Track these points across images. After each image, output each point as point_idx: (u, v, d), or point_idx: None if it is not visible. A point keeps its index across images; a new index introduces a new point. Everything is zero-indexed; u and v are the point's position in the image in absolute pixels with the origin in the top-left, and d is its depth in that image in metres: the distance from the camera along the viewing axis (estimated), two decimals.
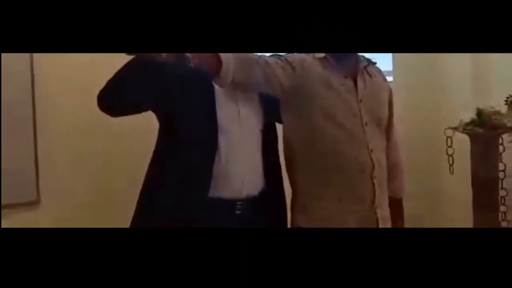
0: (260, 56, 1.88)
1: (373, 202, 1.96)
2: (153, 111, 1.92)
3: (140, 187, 1.91)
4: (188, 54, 1.62)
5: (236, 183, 1.89)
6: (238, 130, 1.91)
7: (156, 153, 1.94)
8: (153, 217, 1.84)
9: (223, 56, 1.73)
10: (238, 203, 1.90)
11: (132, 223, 1.92)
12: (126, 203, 2.46)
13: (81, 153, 2.51)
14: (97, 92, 1.74)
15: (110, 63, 1.83)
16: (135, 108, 1.85)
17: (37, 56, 2.39)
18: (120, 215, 2.41)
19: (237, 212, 1.90)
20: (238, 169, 1.89)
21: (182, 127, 1.85)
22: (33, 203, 2.45)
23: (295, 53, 1.96)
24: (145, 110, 1.89)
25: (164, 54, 1.58)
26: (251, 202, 1.92)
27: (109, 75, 1.76)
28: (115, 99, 1.78)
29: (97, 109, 1.78)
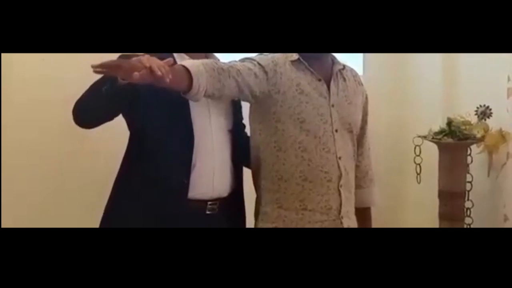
0: (232, 65, 1.79)
1: (339, 212, 1.91)
2: (124, 115, 1.88)
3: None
4: (158, 73, 1.49)
5: (207, 183, 1.87)
6: (209, 130, 1.88)
7: (127, 155, 1.91)
8: (122, 218, 1.83)
9: (194, 71, 1.65)
10: (209, 203, 1.88)
11: (101, 225, 1.90)
12: (80, 203, 2.41)
13: (40, 151, 2.40)
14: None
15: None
16: (107, 120, 1.83)
17: (4, 56, 2.27)
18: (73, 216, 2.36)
19: (208, 212, 1.88)
20: (209, 169, 1.87)
21: (154, 130, 1.83)
22: None
23: (269, 55, 1.91)
24: (117, 115, 1.87)
25: (136, 76, 1.46)
26: (221, 202, 1.90)
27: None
28: (86, 116, 1.80)
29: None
